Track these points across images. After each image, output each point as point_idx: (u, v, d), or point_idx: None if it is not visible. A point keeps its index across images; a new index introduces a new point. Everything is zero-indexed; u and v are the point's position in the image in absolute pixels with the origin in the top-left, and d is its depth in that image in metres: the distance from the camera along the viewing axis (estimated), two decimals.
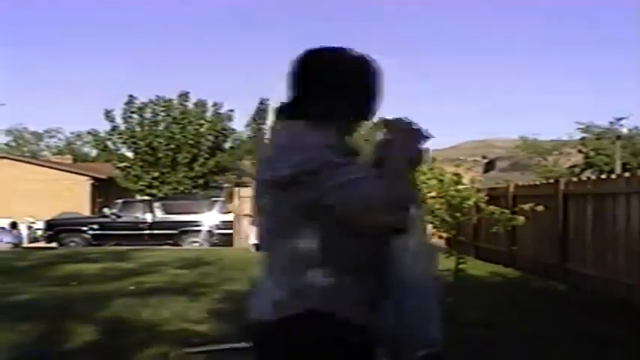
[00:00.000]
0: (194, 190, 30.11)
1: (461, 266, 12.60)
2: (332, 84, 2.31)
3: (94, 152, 53.41)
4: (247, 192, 22.43)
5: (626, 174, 11.82)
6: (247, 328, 2.33)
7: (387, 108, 2.52)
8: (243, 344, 6.90)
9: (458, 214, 13.31)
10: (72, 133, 76.93)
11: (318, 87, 2.31)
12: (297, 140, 2.16)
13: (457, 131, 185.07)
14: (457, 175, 14.74)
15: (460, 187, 14.09)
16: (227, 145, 32.18)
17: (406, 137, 2.26)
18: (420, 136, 2.29)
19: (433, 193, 13.75)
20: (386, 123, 2.35)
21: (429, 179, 14.12)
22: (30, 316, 8.50)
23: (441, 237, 14.91)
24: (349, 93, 2.32)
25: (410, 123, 2.30)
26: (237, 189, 23.91)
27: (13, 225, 25.12)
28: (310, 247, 2.16)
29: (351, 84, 2.33)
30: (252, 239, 20.22)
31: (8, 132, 68.51)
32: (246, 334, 2.40)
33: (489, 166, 58.53)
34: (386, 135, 2.32)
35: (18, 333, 7.54)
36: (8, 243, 23.38)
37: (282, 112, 2.36)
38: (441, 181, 14.07)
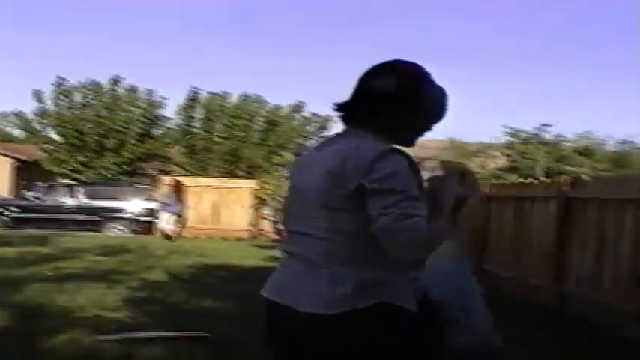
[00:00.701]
0: (120, 177, 29.67)
1: None
2: (407, 101, 2.44)
3: (19, 134, 52.11)
4: (172, 179, 22.39)
5: (547, 179, 12.12)
6: (290, 320, 2.42)
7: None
8: (156, 333, 6.90)
9: None
10: None
11: (392, 101, 2.44)
12: (387, 158, 2.28)
13: None
14: None
15: None
16: (157, 133, 31.81)
17: (461, 181, 2.38)
18: (473, 182, 2.46)
19: None
20: (446, 164, 2.55)
21: None
22: None
23: None
24: (419, 111, 2.48)
25: (467, 169, 2.48)
26: (163, 177, 23.73)
27: None
28: (371, 245, 2.28)
29: (423, 104, 2.47)
30: (165, 226, 20.30)
31: None
32: (285, 325, 2.47)
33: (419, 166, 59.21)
34: (443, 174, 2.55)
35: None
36: None
37: (349, 118, 2.51)
38: None
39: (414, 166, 2.34)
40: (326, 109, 28.90)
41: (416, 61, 2.53)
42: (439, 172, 2.58)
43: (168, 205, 20.46)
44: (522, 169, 42.06)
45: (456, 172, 2.48)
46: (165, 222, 20.42)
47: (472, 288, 2.66)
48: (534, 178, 20.51)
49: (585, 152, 31.17)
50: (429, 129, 2.55)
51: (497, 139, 45.74)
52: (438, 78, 2.48)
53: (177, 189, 20.82)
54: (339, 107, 2.52)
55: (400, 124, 2.46)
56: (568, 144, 43.30)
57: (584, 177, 11.01)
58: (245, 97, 30.70)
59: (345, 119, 2.52)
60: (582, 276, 9.41)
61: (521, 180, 15.31)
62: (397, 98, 2.43)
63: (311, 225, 2.42)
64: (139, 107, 30.59)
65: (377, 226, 2.20)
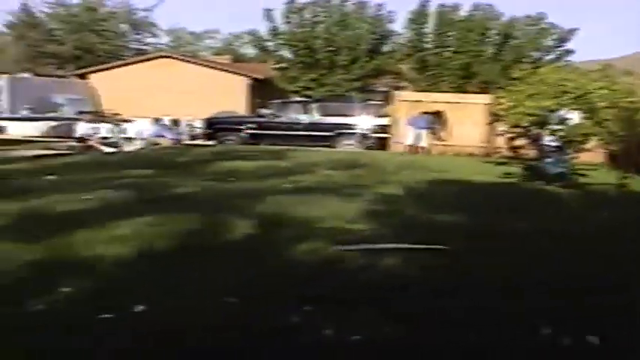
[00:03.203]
0: (351, 93, 29.90)
1: (624, 181, 12.07)
2: None
3: (251, 53, 53.94)
4: (405, 95, 22.39)
5: None
6: None
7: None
8: (394, 245, 6.84)
9: (628, 127, 12.69)
10: (230, 34, 77.72)
11: None
12: None
13: (629, 40, 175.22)
14: (631, 85, 13.97)
15: (634, 98, 13.36)
16: (386, 48, 31.63)
17: None
18: None
19: (604, 103, 13.10)
20: None
21: (599, 88, 13.42)
22: (191, 208, 8.70)
23: (606, 150, 14.28)
24: None
25: None
26: (394, 92, 23.68)
27: (175, 122, 25.91)
28: None
29: None
30: (409, 140, 20.51)
31: (168, 32, 69.45)
32: None
33: None
34: None
35: (181, 223, 7.74)
36: (170, 139, 24.16)
37: None
38: (613, 90, 13.36)
39: None
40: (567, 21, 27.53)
41: None
42: None
43: (417, 121, 20.76)
44: None
45: None
46: (414, 138, 20.72)
47: None
48: None
49: None
50: None
51: None
52: None
53: (420, 105, 21.02)
54: None
55: None
56: None
57: None
58: (477, 9, 29.69)
59: None
60: None
61: None
62: None
63: None
64: (367, 23, 30.48)
65: None
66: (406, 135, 21.04)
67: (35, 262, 5.93)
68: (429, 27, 30.07)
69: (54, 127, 26.91)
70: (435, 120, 21.17)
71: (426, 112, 21.20)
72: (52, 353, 4.05)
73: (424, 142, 20.82)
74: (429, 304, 5.08)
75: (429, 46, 29.86)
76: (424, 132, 20.84)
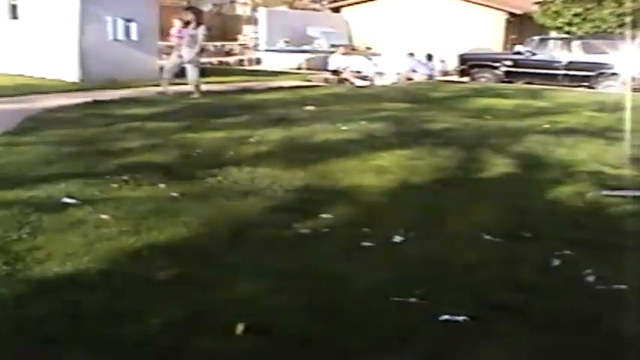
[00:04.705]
0: (618, 30, 28.01)
1: None
2: None
3: None
4: None
5: None
6: None
7: None
8: None
9: None
10: None
11: None
12: None
13: None
14: None
15: None
16: None
17: None
18: None
19: None
20: None
21: None
22: (448, 143, 8.71)
23: None
24: None
25: None
26: None
27: (429, 57, 25.77)
28: None
29: None
30: None
31: None
32: None
33: None
34: None
35: (439, 157, 7.79)
36: (423, 74, 24.14)
37: None
38: None
39: None
40: None
41: None
42: None
43: None
44: None
45: None
46: None
47: None
48: None
49: None
50: None
51: None
52: None
53: None
54: None
55: None
56: None
57: None
58: None
59: None
60: None
61: None
62: None
63: None
64: None
65: None
66: None
67: (297, 188, 6.21)
68: None
69: (309, 60, 27.84)
70: None
71: None
72: (315, 275, 4.20)
73: None
74: None
75: None
76: None
